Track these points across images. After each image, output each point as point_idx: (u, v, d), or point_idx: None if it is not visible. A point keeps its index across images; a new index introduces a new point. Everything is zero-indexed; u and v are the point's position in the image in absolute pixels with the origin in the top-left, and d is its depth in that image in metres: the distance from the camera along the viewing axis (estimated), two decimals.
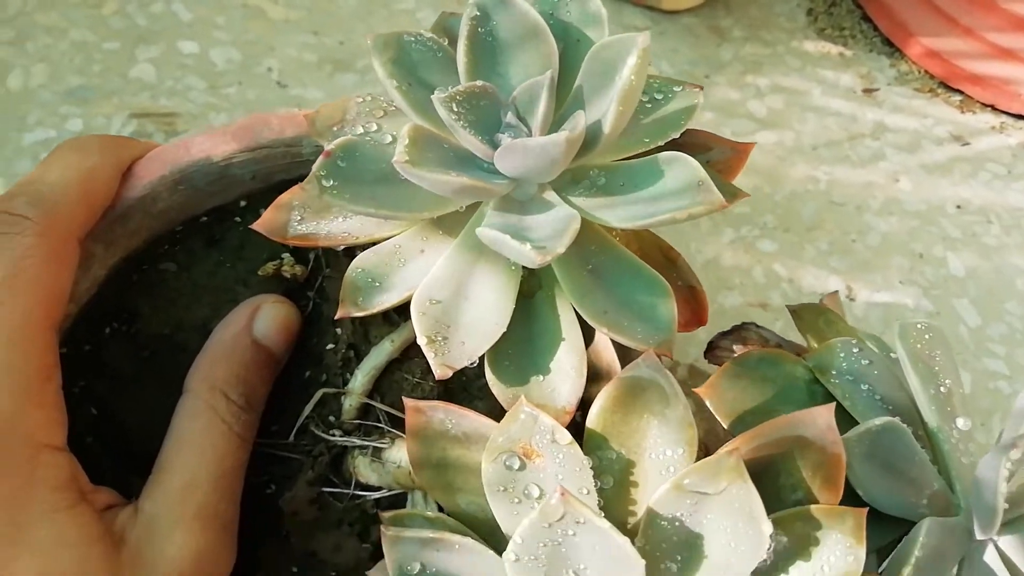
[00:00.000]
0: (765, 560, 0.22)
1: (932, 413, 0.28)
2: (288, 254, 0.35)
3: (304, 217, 0.28)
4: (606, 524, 0.21)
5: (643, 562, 0.21)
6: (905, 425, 0.27)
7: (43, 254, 0.27)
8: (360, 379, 0.33)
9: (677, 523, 0.22)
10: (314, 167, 0.25)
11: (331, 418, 0.34)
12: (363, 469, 0.33)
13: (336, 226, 0.28)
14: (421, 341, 0.26)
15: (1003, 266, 0.62)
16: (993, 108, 0.71)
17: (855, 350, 0.31)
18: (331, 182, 0.25)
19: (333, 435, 0.34)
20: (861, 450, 0.27)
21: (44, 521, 0.26)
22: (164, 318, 0.34)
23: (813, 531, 0.22)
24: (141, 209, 0.32)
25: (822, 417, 0.24)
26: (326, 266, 0.36)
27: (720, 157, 0.31)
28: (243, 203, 0.35)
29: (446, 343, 0.26)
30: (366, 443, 0.33)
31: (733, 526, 0.22)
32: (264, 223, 0.28)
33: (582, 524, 0.21)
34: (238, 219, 0.35)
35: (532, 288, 0.29)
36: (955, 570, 0.28)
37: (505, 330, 0.26)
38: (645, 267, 0.27)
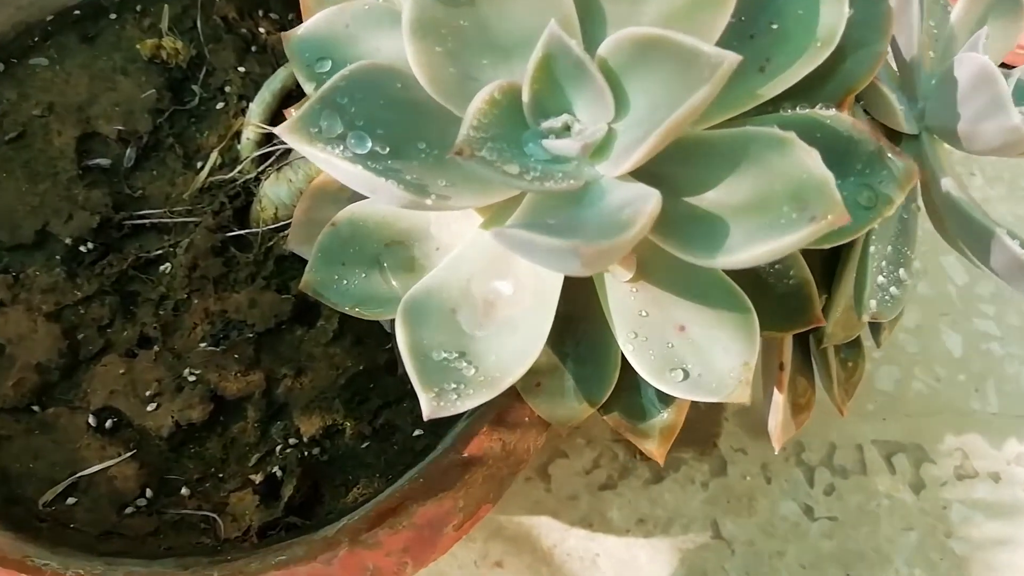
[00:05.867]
0: None
1: None
2: (169, 36, 0.34)
3: None
4: None
5: None
6: None
7: None
8: (256, 108, 0.31)
9: None
10: None
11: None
12: (270, 190, 0.30)
13: None
14: None
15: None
16: None
17: None
18: None
19: (236, 175, 0.31)
20: None
21: None
22: (34, 103, 0.32)
23: None
24: None
25: None
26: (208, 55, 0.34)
27: None
28: None
29: None
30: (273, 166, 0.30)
31: None
32: None
33: None
34: (113, 15, 0.34)
35: None
36: None
37: None
38: None
